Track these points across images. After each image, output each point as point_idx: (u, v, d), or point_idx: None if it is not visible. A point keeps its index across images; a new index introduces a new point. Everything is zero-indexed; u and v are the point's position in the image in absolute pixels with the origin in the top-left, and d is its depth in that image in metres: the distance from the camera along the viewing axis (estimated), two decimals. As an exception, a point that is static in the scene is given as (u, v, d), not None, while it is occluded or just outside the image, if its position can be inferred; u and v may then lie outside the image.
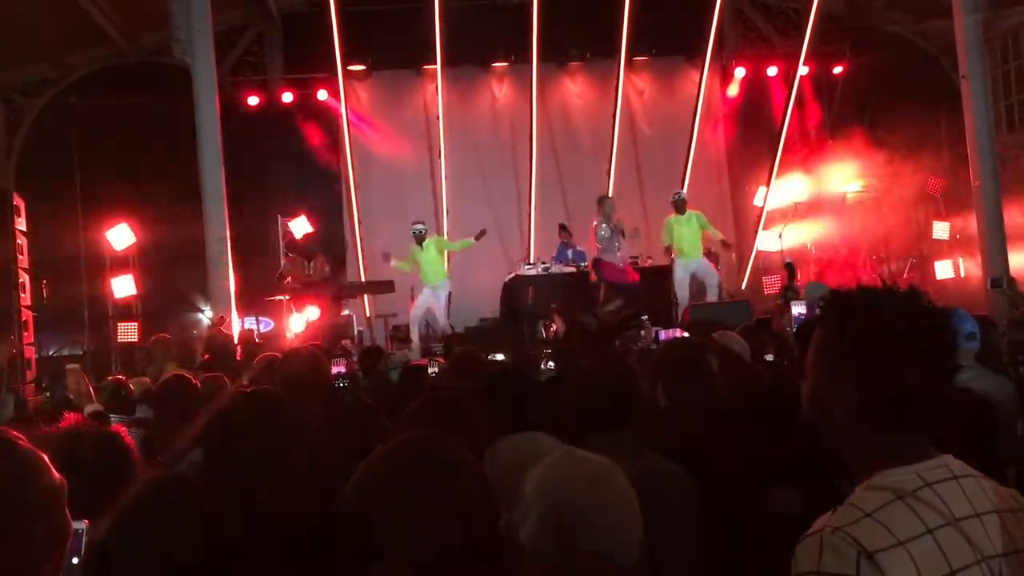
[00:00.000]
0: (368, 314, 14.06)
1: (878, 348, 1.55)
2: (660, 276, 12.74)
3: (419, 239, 12.06)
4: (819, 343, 1.65)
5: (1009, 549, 1.52)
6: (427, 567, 1.36)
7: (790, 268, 12.59)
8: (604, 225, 11.92)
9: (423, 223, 12.36)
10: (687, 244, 12.17)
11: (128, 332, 13.13)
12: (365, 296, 14.02)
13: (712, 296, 12.35)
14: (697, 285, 12.45)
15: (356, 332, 12.77)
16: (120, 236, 13.24)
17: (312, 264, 12.32)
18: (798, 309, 6.56)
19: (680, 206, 12.30)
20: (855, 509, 1.51)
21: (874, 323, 1.57)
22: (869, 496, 1.52)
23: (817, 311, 1.74)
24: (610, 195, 13.48)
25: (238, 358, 8.72)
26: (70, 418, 2.42)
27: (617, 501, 1.81)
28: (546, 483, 1.79)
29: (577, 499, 1.76)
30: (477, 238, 12.22)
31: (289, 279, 12.14)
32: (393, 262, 12.18)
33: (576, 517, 1.73)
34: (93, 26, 13.15)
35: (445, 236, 13.80)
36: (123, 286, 13.33)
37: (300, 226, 13.77)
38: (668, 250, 12.45)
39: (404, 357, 8.46)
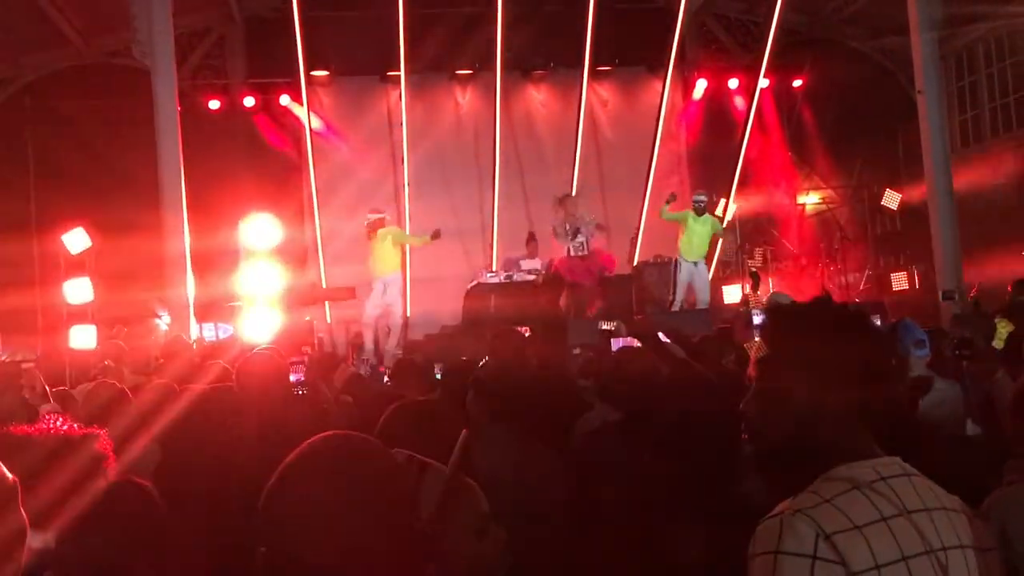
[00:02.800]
0: (329, 320, 13.96)
1: (861, 359, 1.66)
2: (623, 282, 12.89)
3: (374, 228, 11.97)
4: (794, 357, 1.70)
5: (957, 544, 1.59)
6: (338, 566, 1.33)
7: (755, 277, 12.72)
8: (559, 222, 12.09)
9: (382, 212, 12.35)
10: (696, 243, 12.52)
11: (83, 337, 12.87)
12: (326, 302, 13.92)
13: (701, 296, 12.47)
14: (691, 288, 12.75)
15: (317, 338, 12.67)
16: (76, 240, 12.98)
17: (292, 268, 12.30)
18: (759, 319, 6.63)
19: (700, 210, 12.58)
20: (814, 495, 1.58)
21: (852, 338, 1.69)
22: (827, 485, 1.59)
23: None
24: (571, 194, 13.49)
25: (196, 364, 8.59)
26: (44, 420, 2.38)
27: None
28: None
29: None
30: (433, 237, 12.21)
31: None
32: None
33: None
34: (50, 26, 12.95)
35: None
36: (78, 291, 13.07)
37: (260, 230, 13.62)
38: (669, 199, 12.73)
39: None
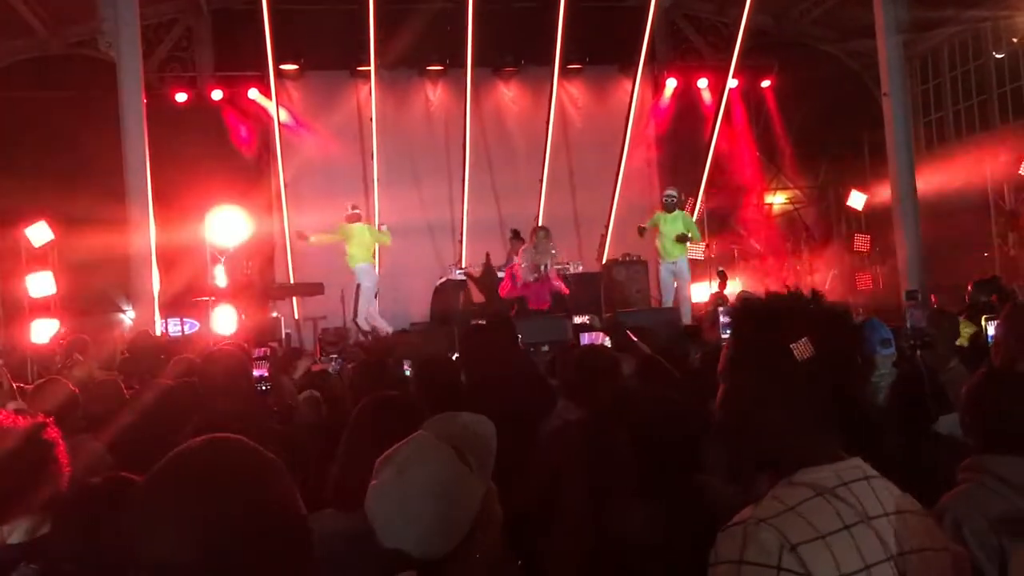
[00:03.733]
0: (296, 316, 13.87)
1: (815, 358, 1.60)
2: (589, 280, 12.91)
3: (357, 220, 11.91)
4: (753, 356, 1.66)
5: (914, 547, 1.58)
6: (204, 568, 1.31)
7: (723, 276, 12.76)
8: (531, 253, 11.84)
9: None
10: (668, 245, 12.12)
11: (45, 331, 12.69)
12: (293, 298, 13.83)
13: (683, 294, 12.40)
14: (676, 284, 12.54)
15: (284, 334, 12.58)
16: (38, 233, 12.80)
17: (249, 264, 12.14)
18: (726, 318, 6.66)
19: (670, 206, 12.22)
20: (777, 502, 1.54)
21: (812, 336, 1.61)
22: (790, 491, 1.56)
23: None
24: (541, 223, 13.33)
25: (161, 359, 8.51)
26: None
27: None
28: None
29: None
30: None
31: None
32: (312, 237, 12.03)
33: None
34: (14, 16, 12.71)
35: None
36: (40, 284, 12.88)
37: (227, 224, 13.53)
38: (640, 232, 12.38)
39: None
